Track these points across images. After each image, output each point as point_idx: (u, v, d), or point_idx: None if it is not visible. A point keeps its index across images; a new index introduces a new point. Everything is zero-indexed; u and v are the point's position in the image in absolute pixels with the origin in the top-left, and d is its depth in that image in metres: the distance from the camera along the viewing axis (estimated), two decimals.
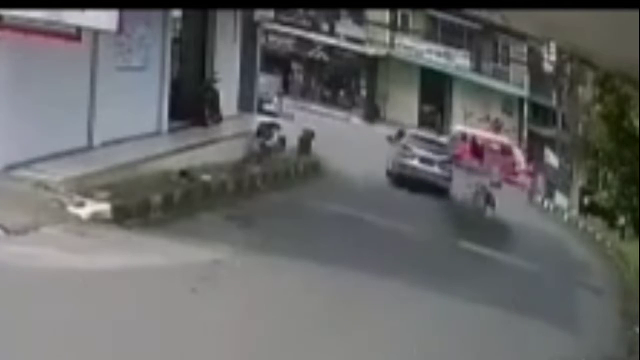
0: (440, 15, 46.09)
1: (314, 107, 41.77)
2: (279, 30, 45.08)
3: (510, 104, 47.59)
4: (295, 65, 45.79)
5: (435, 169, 27.66)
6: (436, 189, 26.92)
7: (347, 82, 50.19)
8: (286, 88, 42.73)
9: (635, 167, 18.73)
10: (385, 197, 24.41)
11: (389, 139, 31.20)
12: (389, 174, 28.29)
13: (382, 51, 47.80)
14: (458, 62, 47.43)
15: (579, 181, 35.84)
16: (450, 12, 44.57)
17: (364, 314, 13.12)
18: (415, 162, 27.73)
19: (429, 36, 47.96)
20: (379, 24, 47.71)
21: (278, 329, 11.50)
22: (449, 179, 27.84)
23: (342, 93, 49.25)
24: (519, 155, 38.98)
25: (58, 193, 15.12)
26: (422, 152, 28.13)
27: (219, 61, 25.19)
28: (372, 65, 48.82)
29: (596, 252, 27.11)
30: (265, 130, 23.98)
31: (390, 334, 12.50)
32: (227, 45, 25.69)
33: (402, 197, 25.25)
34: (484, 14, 41.76)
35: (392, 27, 48.19)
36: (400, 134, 31.60)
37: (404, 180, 27.04)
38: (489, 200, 26.06)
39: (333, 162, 26.27)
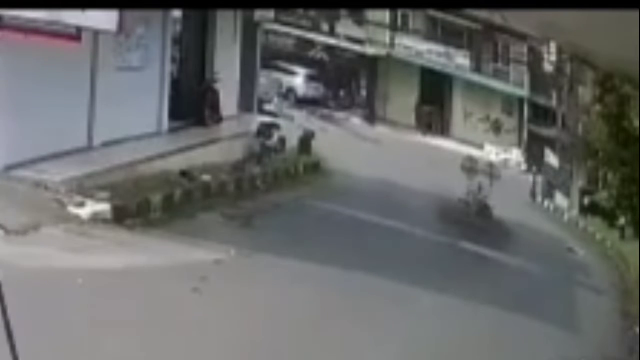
0: (440, 15, 46.04)
1: (310, 107, 41.73)
2: (279, 30, 45.06)
3: (510, 104, 47.56)
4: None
5: None
6: None
7: (347, 82, 50.18)
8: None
9: (635, 167, 18.71)
10: (385, 197, 24.39)
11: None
12: None
13: (382, 51, 47.77)
14: (458, 62, 47.39)
15: (579, 181, 35.80)
16: (450, 12, 44.52)
17: (364, 313, 13.12)
18: None
19: (429, 36, 47.91)
20: (379, 24, 47.67)
21: (278, 328, 11.51)
22: None
23: (341, 93, 49.23)
24: None
25: (58, 193, 15.13)
26: None
27: (219, 61, 25.18)
28: (372, 65, 48.80)
29: (596, 252, 27.10)
30: (265, 130, 23.97)
31: (390, 332, 12.50)
32: (227, 45, 25.69)
33: (402, 198, 25.22)
34: (484, 14, 41.71)
35: (392, 27, 48.15)
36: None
37: None
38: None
39: (333, 163, 26.28)
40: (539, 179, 38.72)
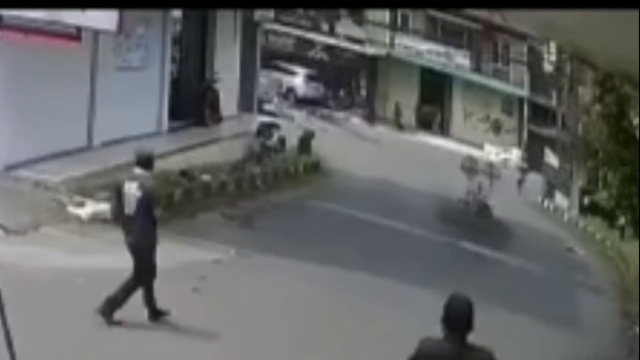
0: (440, 15, 46.01)
1: (310, 107, 41.67)
2: (279, 30, 45.05)
3: (510, 104, 47.54)
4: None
5: None
6: None
7: (347, 82, 50.16)
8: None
9: (635, 167, 18.68)
10: (385, 197, 24.39)
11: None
12: None
13: (382, 51, 47.75)
14: (458, 62, 47.37)
15: (579, 181, 35.77)
16: (450, 12, 44.49)
17: (364, 312, 13.12)
18: None
19: (429, 36, 47.90)
20: (379, 24, 47.65)
21: (278, 328, 11.51)
22: None
23: (341, 93, 49.22)
24: None
25: (58, 193, 15.13)
26: None
27: (219, 61, 25.19)
28: (372, 65, 48.78)
29: (596, 252, 27.09)
30: (265, 130, 23.98)
31: (390, 332, 12.50)
32: (227, 45, 25.70)
33: (402, 198, 25.23)
34: (484, 14, 41.68)
35: (392, 27, 48.14)
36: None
37: None
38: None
39: (333, 163, 26.28)
40: (530, 175, 38.70)
